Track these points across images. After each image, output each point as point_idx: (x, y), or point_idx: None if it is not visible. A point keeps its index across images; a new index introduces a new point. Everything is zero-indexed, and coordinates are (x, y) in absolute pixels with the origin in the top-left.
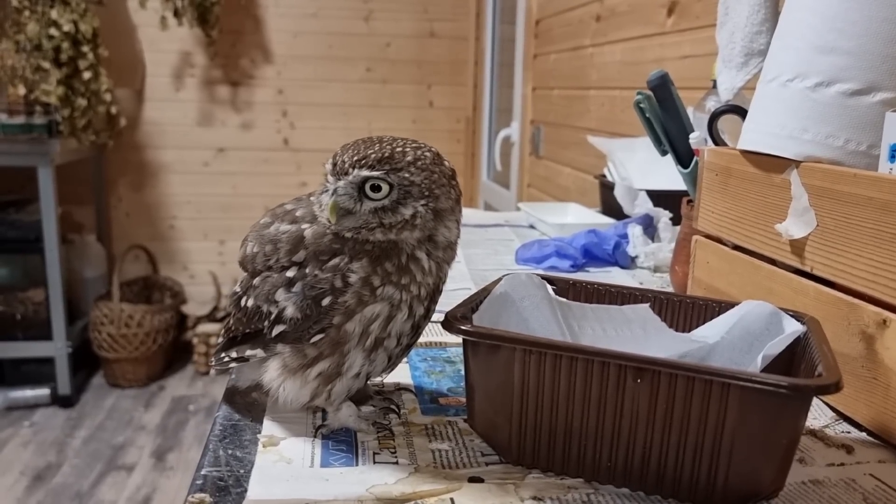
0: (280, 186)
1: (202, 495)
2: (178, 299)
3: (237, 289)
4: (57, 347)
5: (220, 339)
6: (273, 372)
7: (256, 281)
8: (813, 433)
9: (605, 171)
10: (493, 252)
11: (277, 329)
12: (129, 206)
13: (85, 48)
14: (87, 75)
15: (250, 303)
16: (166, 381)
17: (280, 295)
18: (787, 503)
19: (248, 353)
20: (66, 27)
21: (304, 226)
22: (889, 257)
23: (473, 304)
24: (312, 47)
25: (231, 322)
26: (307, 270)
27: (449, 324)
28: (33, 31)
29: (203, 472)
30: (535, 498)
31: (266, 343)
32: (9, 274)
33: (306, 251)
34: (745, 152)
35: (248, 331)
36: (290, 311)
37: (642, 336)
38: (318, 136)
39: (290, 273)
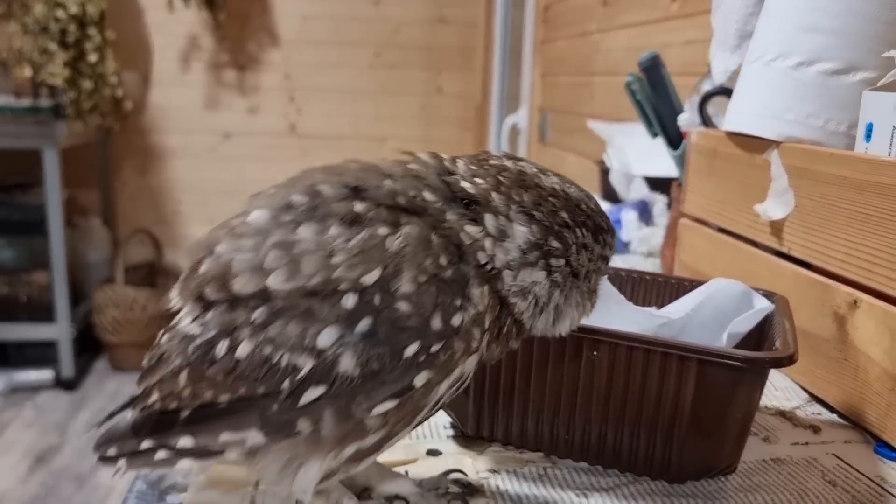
0: (286, 172)
1: None
2: None
3: (192, 330)
4: (60, 330)
5: (133, 415)
6: (273, 464)
7: (260, 315)
8: (782, 414)
9: (605, 157)
10: None
11: (311, 394)
12: (135, 190)
13: (92, 30)
14: (93, 58)
15: (244, 351)
16: None
17: (327, 338)
18: (745, 479)
19: (227, 438)
20: (73, 9)
21: (382, 229)
22: (860, 237)
23: None
24: (320, 32)
25: (180, 386)
26: (378, 300)
27: None
28: (40, 12)
29: None
30: (491, 470)
31: (269, 418)
32: (13, 256)
33: (384, 269)
34: (729, 134)
35: (224, 401)
36: (345, 364)
37: (604, 310)
38: (324, 122)
39: (349, 302)
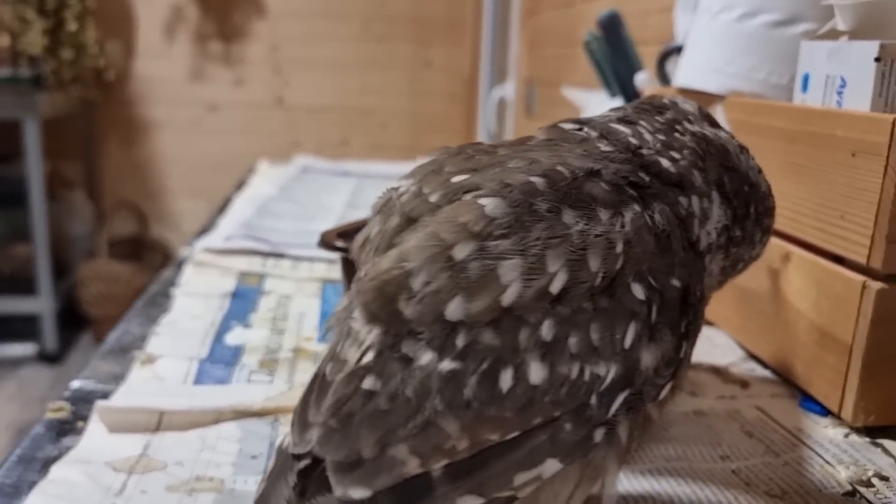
0: (273, 145)
1: (62, 403)
2: (167, 259)
3: (446, 366)
4: (43, 304)
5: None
6: (564, 489)
7: (548, 330)
8: (715, 370)
9: None
10: None
11: (619, 401)
12: (119, 162)
13: None
14: (73, 26)
15: (538, 376)
16: None
17: (631, 335)
18: (661, 430)
19: (522, 479)
20: None
21: (636, 209)
22: (793, 189)
23: (358, 224)
24: (307, 3)
25: (450, 437)
26: (656, 283)
27: (324, 242)
28: None
29: (75, 385)
30: None
31: (562, 441)
32: None
33: (658, 247)
34: (680, 90)
35: (509, 438)
36: (646, 360)
37: None
38: (311, 94)
39: (639, 292)
